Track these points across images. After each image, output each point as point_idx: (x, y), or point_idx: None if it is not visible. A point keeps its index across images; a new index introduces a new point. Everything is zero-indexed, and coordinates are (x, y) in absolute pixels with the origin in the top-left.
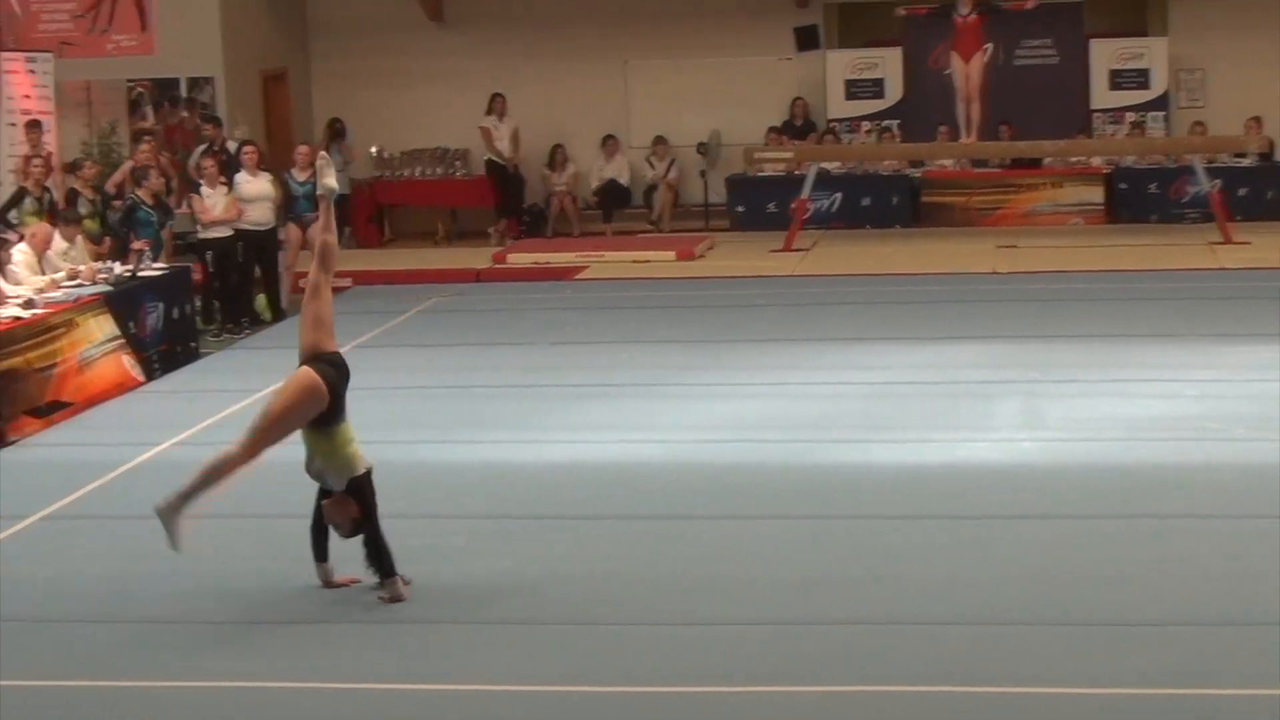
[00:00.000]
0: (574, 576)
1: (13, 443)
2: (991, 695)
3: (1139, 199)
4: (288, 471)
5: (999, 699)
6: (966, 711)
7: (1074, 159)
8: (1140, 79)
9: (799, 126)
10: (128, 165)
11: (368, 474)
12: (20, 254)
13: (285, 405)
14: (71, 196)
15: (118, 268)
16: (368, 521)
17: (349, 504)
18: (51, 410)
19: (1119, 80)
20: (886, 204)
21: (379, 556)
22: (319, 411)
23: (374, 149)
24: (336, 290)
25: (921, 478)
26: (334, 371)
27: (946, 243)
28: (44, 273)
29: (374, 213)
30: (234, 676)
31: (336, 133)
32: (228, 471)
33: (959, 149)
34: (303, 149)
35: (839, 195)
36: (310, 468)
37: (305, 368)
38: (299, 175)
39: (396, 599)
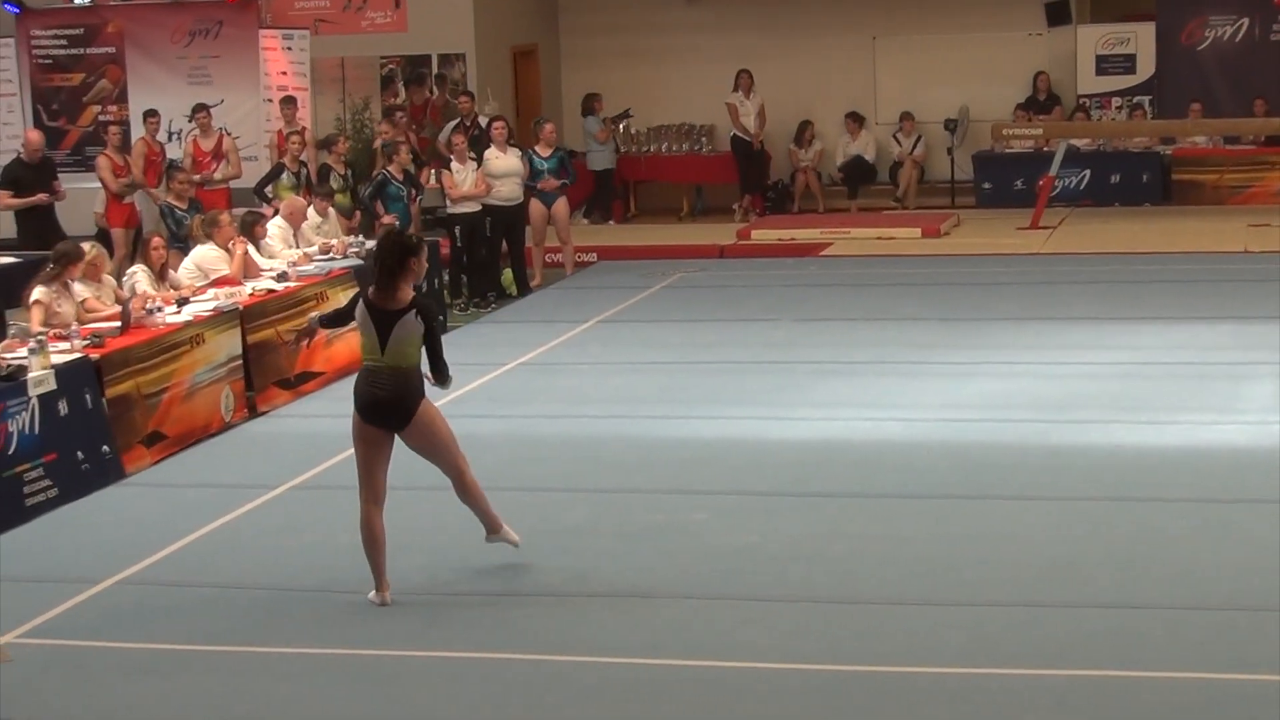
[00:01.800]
0: (816, 554)
1: (263, 413)
2: (1235, 682)
3: None
4: (544, 446)
5: (1243, 686)
6: (1209, 697)
7: None
8: None
9: (1043, 101)
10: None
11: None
12: (275, 228)
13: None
14: (324, 171)
15: (368, 242)
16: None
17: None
18: (300, 381)
19: None
20: (1136, 181)
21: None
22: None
23: (622, 125)
24: (581, 265)
25: (1169, 460)
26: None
27: (1197, 221)
28: (297, 246)
29: (619, 188)
30: (478, 647)
31: (588, 111)
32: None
33: (1211, 126)
34: (549, 126)
35: (1087, 172)
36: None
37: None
38: (542, 152)
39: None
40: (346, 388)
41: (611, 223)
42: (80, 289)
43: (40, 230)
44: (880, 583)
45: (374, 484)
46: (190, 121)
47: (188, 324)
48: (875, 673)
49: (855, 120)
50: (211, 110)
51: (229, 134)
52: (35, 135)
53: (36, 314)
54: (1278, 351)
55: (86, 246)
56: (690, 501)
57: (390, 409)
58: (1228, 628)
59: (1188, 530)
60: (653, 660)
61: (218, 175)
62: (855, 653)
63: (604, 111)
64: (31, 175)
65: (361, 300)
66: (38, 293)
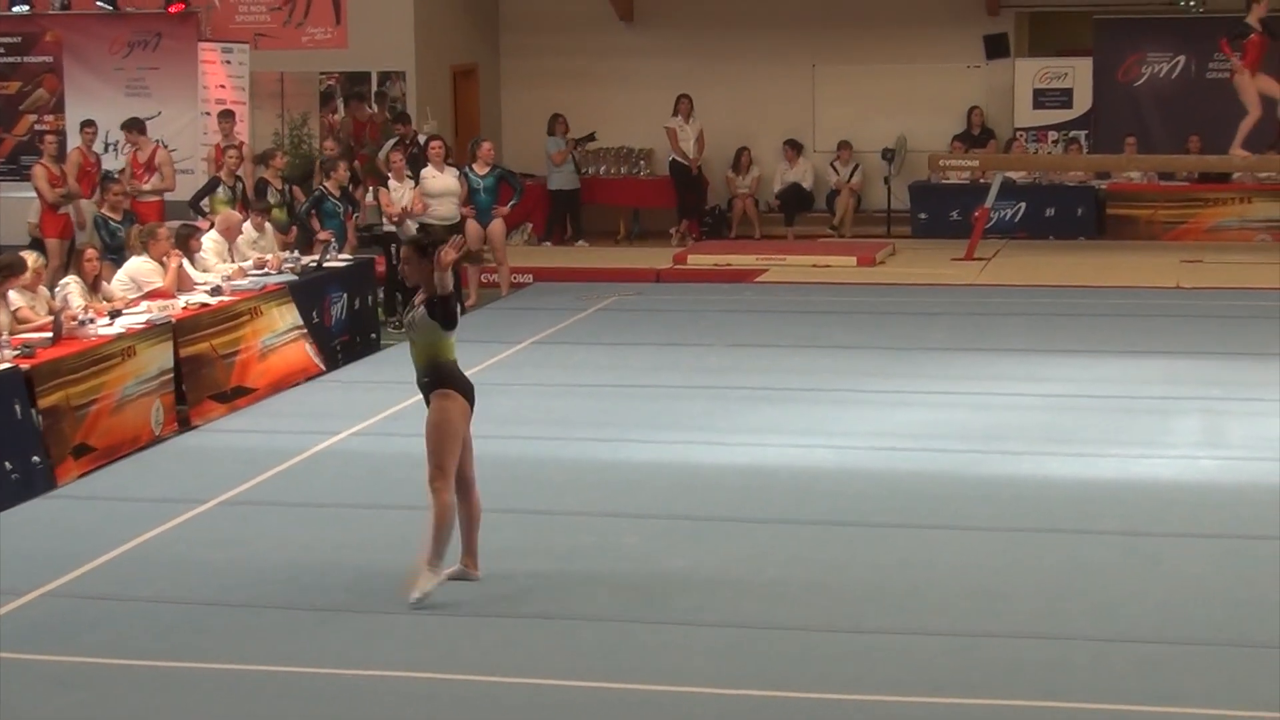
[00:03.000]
0: (745, 580)
1: (196, 427)
2: (1159, 715)
3: None
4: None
5: (1168, 719)
6: None
7: (1263, 175)
8: None
9: (976, 135)
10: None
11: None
12: (210, 241)
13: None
14: (260, 186)
15: (303, 258)
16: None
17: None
18: (235, 396)
19: None
20: (1071, 215)
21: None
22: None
23: (584, 147)
24: (516, 286)
25: (1097, 492)
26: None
27: (1130, 256)
28: (232, 260)
29: (553, 209)
30: (407, 666)
31: (551, 131)
32: (446, 514)
33: (1146, 161)
34: (486, 145)
35: (1023, 205)
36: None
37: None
38: (479, 170)
39: None
40: (280, 403)
41: (582, 243)
42: (15, 298)
43: None
44: (810, 609)
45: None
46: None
47: (120, 336)
48: (803, 699)
49: (793, 148)
50: (147, 123)
51: (165, 146)
52: None
53: None
54: (1207, 386)
55: (30, 257)
56: (621, 525)
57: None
58: (1154, 660)
59: (1115, 562)
60: (581, 682)
61: (147, 186)
62: (784, 678)
63: (569, 134)
64: None
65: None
66: None
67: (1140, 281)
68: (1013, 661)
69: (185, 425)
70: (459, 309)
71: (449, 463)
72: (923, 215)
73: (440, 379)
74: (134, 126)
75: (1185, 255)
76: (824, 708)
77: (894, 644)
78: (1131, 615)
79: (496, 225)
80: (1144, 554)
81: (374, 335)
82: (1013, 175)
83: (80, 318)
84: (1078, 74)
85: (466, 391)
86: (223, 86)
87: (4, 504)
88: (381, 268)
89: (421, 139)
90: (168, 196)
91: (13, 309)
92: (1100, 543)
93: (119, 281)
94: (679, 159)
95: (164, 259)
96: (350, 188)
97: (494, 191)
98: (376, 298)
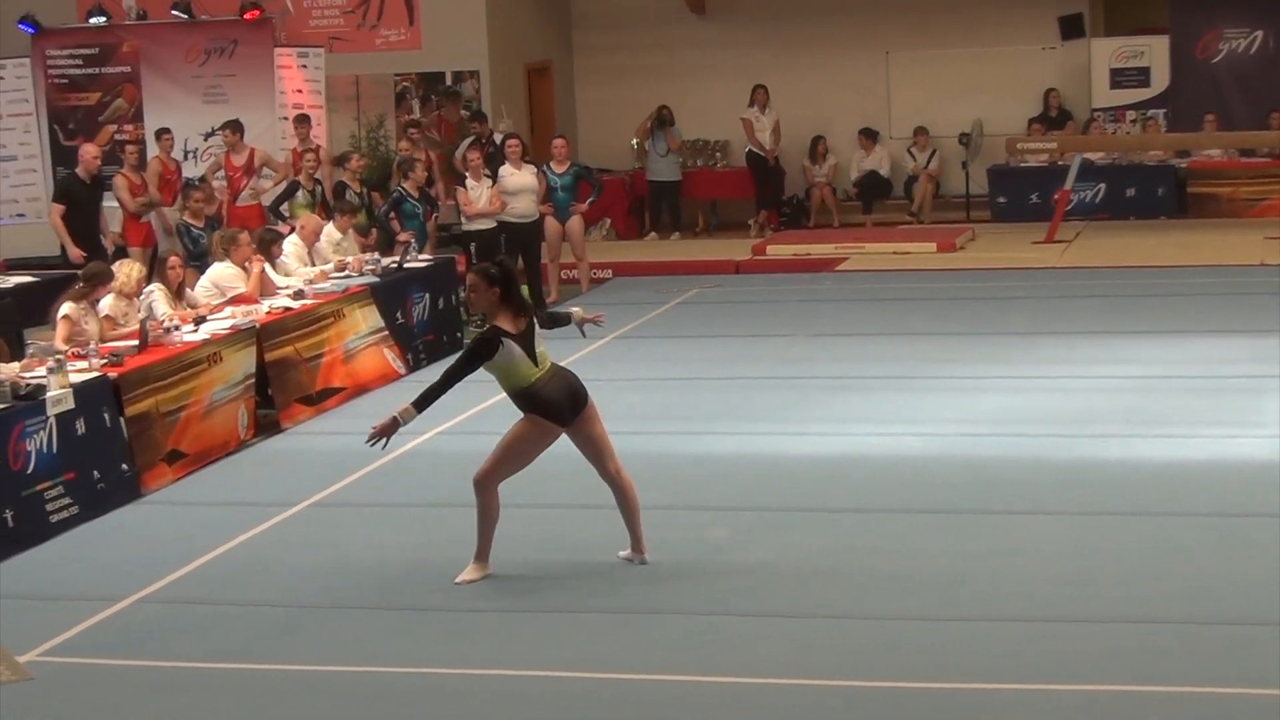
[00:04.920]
0: (832, 570)
1: (284, 430)
2: (1252, 697)
3: None
4: (560, 461)
5: (1260, 700)
6: (1225, 712)
7: None
8: None
9: (1054, 117)
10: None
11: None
12: (291, 245)
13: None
14: (339, 189)
15: (384, 259)
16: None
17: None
18: (321, 398)
19: None
20: (1151, 195)
21: None
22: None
23: (634, 141)
24: (596, 281)
25: (1185, 474)
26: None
27: (1213, 234)
28: (313, 264)
29: (633, 204)
30: (497, 664)
31: (662, 120)
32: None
33: (1227, 138)
34: (558, 142)
35: (1102, 186)
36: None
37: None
38: (556, 168)
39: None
40: (366, 404)
41: (652, 235)
42: (112, 303)
43: (88, 248)
44: (896, 598)
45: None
46: (206, 140)
47: (205, 342)
48: (892, 688)
49: (869, 135)
50: (242, 125)
51: (259, 147)
52: (92, 148)
53: (63, 328)
54: None
55: (128, 267)
56: (707, 517)
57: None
58: (1245, 642)
59: (1204, 545)
60: (670, 676)
61: (268, 186)
62: (872, 668)
63: (675, 125)
64: (86, 191)
65: (499, 337)
66: (66, 308)
67: (1223, 260)
68: (1103, 647)
69: (274, 429)
70: (481, 343)
71: (500, 475)
72: (1002, 199)
73: (526, 404)
74: (236, 129)
75: (1268, 232)
76: (913, 697)
77: (982, 631)
78: (1223, 598)
79: (575, 222)
80: (1235, 536)
81: (457, 334)
82: (1091, 156)
83: (166, 325)
84: (1154, 52)
85: (554, 410)
86: (299, 91)
87: (94, 512)
88: (462, 267)
89: (498, 138)
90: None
91: (102, 315)
92: (1190, 525)
93: (202, 288)
94: (756, 150)
95: (246, 264)
96: (428, 188)
97: (572, 189)
98: (458, 297)
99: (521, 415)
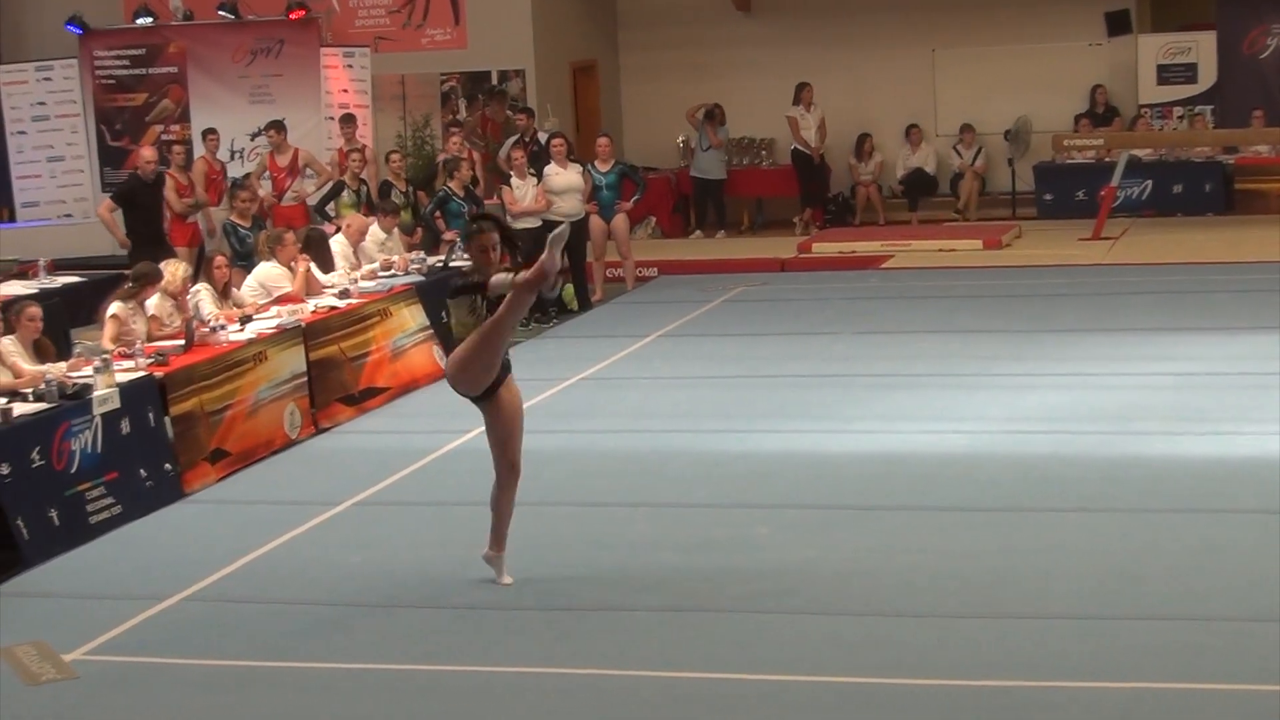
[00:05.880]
0: (878, 568)
1: (326, 429)
2: None
3: None
4: (607, 460)
5: None
6: (1275, 710)
7: None
8: None
9: (1100, 114)
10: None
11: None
12: (336, 244)
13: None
14: (385, 188)
15: (429, 258)
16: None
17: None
18: (364, 398)
19: None
20: (1198, 191)
21: None
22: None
23: (680, 139)
24: (642, 279)
25: (1233, 471)
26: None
27: (1260, 230)
28: (358, 263)
29: (678, 202)
30: (544, 662)
31: (710, 114)
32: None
33: (1274, 134)
34: (602, 141)
35: (1149, 183)
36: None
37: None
38: (600, 167)
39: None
40: (410, 404)
41: (697, 234)
42: (158, 303)
43: (152, 246)
44: (944, 596)
45: None
46: (253, 140)
47: (251, 341)
48: (938, 686)
49: (915, 132)
50: (285, 125)
51: (302, 148)
52: (149, 151)
53: (111, 328)
54: None
55: (174, 266)
56: (752, 515)
57: None
58: None
59: (1253, 542)
60: (717, 674)
61: (310, 188)
62: (920, 666)
63: (725, 123)
64: (146, 192)
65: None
66: (115, 308)
67: (1271, 256)
68: (1151, 644)
69: (316, 428)
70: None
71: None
72: (1048, 196)
73: (507, 366)
74: (280, 129)
75: None
76: (961, 695)
77: (1029, 629)
78: (1270, 594)
79: (620, 220)
80: None
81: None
82: (1138, 153)
83: (211, 324)
84: (1201, 48)
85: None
86: (345, 90)
87: (139, 511)
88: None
89: (542, 137)
90: (307, 200)
91: (149, 315)
92: (1238, 522)
93: (248, 287)
94: (801, 148)
95: (292, 264)
96: (473, 186)
97: (616, 188)
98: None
99: (502, 387)
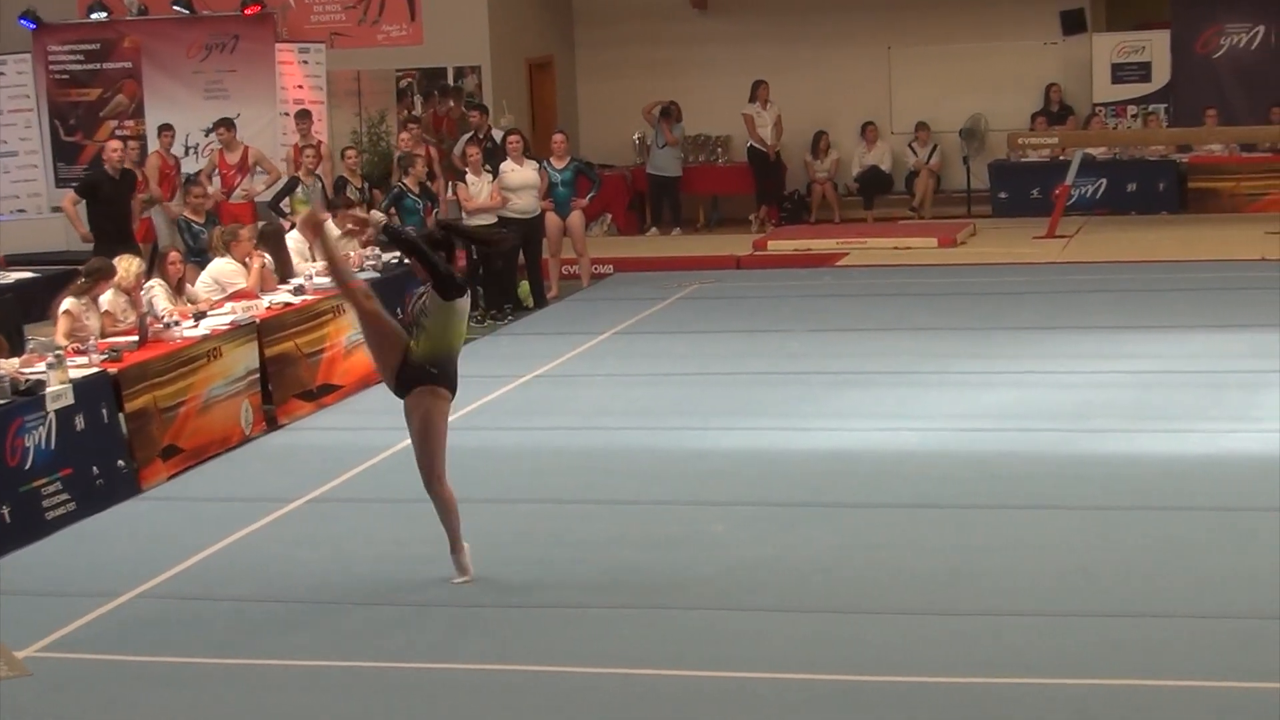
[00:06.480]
0: (835, 565)
1: (282, 426)
2: (1257, 691)
3: None
4: (563, 457)
5: (1265, 694)
6: (1230, 706)
7: None
8: None
9: (1055, 113)
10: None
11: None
12: (292, 240)
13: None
14: (340, 184)
15: (384, 255)
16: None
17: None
18: (321, 393)
19: None
20: (1152, 189)
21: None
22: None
23: (636, 137)
24: (597, 276)
25: (1187, 468)
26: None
27: (1213, 229)
28: (314, 260)
29: (634, 200)
30: (499, 659)
31: (666, 111)
32: (452, 503)
33: (1227, 133)
34: (558, 137)
35: (1104, 181)
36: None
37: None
38: (556, 164)
39: None
40: (364, 401)
41: (653, 231)
42: (112, 299)
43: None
44: (900, 593)
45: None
46: (208, 136)
47: (205, 338)
48: (896, 683)
49: (871, 130)
50: (235, 122)
51: (252, 145)
52: (116, 144)
53: (64, 323)
54: None
55: (127, 262)
56: (709, 513)
57: None
58: (1250, 636)
59: (1208, 539)
60: (674, 671)
61: (260, 186)
62: (876, 663)
63: (681, 121)
64: (113, 187)
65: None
66: (68, 303)
67: (1224, 255)
68: (1107, 641)
69: (273, 424)
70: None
71: (440, 466)
72: (1003, 194)
73: (438, 372)
74: (229, 126)
75: (1269, 227)
76: (917, 691)
77: (986, 626)
78: (1226, 592)
79: (576, 217)
80: (1238, 529)
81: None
82: (1093, 151)
83: (165, 320)
84: (1155, 47)
85: (454, 379)
86: (300, 86)
87: (94, 507)
88: (463, 262)
89: (496, 134)
90: (256, 198)
91: (103, 310)
92: (1193, 519)
93: (203, 283)
94: (757, 145)
95: (246, 260)
96: (429, 183)
97: (572, 185)
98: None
99: (413, 393)
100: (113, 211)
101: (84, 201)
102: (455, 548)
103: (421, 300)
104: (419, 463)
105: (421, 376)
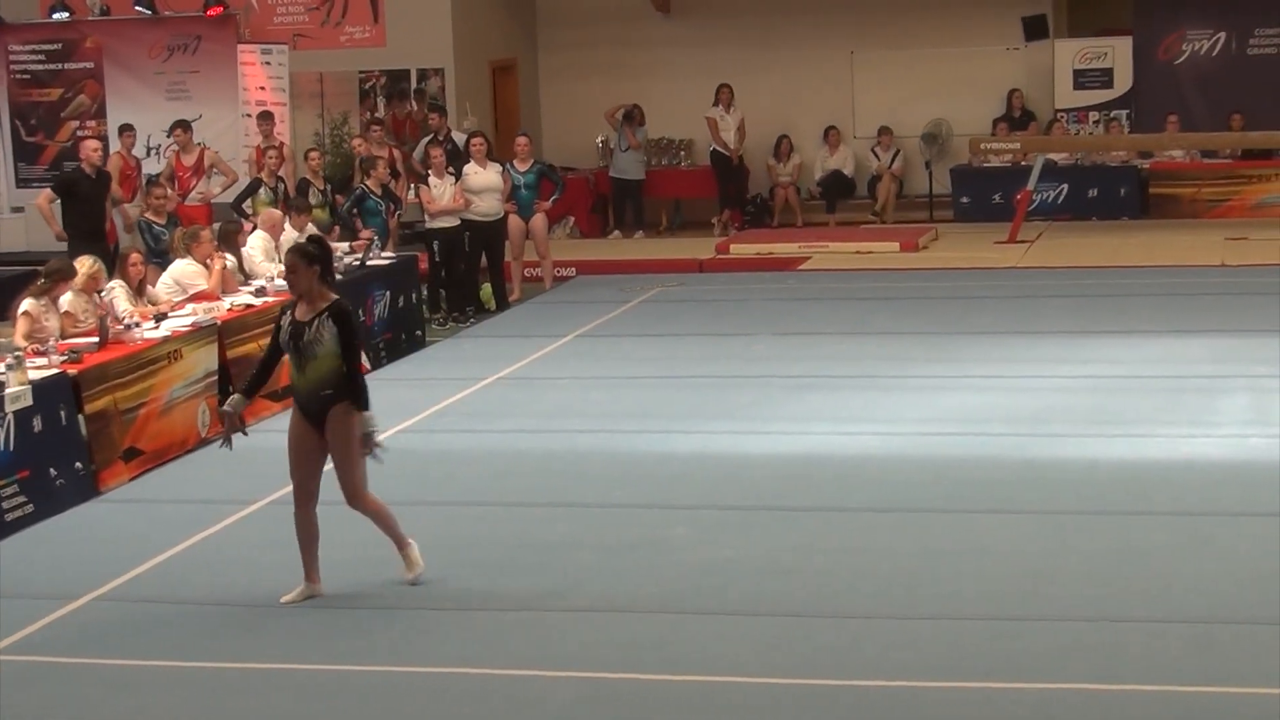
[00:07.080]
0: (794, 568)
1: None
2: (1214, 695)
3: None
4: (524, 460)
5: (1221, 699)
6: (1188, 711)
7: None
8: None
9: (1017, 118)
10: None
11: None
12: (259, 239)
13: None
14: (303, 186)
15: (346, 257)
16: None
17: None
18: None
19: None
20: (1113, 195)
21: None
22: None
23: (600, 140)
24: (560, 279)
25: (1146, 474)
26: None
27: (1174, 235)
28: (279, 260)
29: (597, 202)
30: (460, 662)
31: (629, 115)
32: (383, 508)
33: (1189, 140)
34: (521, 140)
35: (1065, 186)
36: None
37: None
38: (519, 167)
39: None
40: None
41: (616, 234)
42: (72, 300)
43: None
44: (858, 596)
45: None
46: (169, 137)
47: (165, 339)
48: (854, 686)
49: (833, 134)
50: (191, 125)
51: (209, 148)
52: (94, 143)
53: (23, 324)
54: (1253, 365)
55: (86, 262)
56: (669, 516)
57: None
58: (1206, 641)
59: (1165, 543)
60: (633, 675)
61: (216, 189)
62: (834, 666)
63: (644, 124)
64: (89, 185)
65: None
66: (27, 304)
67: (1185, 260)
68: (1065, 645)
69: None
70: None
71: (364, 480)
72: (965, 199)
73: (346, 391)
74: (185, 128)
75: (1229, 233)
76: (875, 695)
77: (945, 630)
78: (1184, 596)
79: (538, 220)
80: (1195, 534)
81: (418, 332)
82: (1054, 157)
83: (126, 322)
84: (1117, 53)
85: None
86: (262, 88)
87: (52, 510)
88: (424, 265)
89: (458, 136)
90: (215, 200)
91: (63, 311)
92: (1150, 524)
93: (164, 285)
94: (720, 149)
95: (208, 261)
96: (391, 185)
97: (535, 187)
98: (420, 295)
99: (336, 413)
100: (89, 210)
101: (59, 200)
102: (401, 545)
103: (316, 333)
104: (341, 481)
105: (331, 396)
